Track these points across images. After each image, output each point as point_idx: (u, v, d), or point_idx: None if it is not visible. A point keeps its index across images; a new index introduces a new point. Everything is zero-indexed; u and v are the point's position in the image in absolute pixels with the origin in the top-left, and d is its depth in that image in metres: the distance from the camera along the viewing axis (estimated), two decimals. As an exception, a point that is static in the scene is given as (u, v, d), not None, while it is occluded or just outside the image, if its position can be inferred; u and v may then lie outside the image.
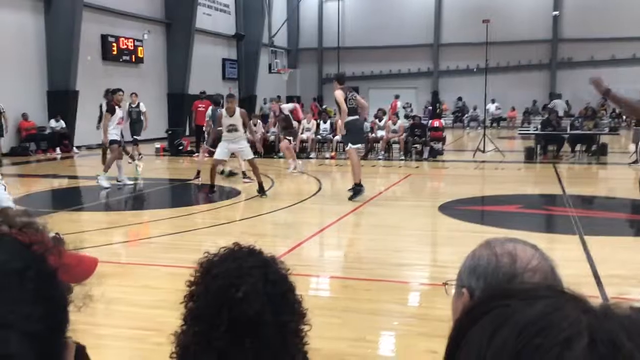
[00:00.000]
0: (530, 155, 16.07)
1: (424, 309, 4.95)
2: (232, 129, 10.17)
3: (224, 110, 10.50)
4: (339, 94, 9.73)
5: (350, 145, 10.05)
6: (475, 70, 30.06)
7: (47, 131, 18.60)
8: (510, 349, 0.48)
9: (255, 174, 10.27)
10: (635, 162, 14.43)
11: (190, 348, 1.22)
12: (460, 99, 32.79)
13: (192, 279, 1.30)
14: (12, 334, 0.57)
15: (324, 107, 28.44)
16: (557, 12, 31.48)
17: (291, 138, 14.61)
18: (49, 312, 0.62)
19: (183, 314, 1.27)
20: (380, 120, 17.89)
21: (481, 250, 1.23)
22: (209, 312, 1.21)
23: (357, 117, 10.07)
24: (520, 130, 20.78)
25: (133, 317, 4.60)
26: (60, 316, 0.67)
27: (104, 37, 21.15)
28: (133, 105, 15.09)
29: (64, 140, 18.52)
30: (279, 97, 14.00)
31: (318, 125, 18.06)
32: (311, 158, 17.01)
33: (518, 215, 8.91)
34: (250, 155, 10.40)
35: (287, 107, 15.99)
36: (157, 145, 18.22)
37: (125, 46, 22.06)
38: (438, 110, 20.30)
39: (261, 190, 10.21)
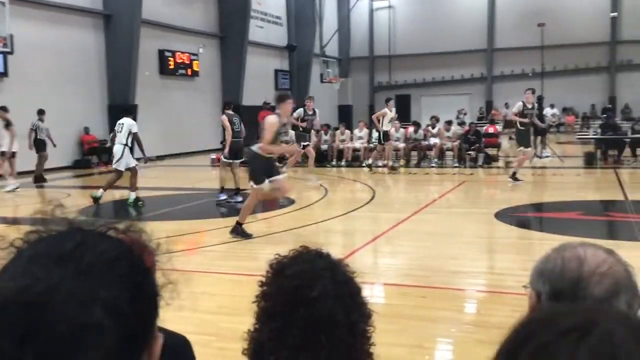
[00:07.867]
0: (589, 161, 15.61)
1: (482, 316, 4.91)
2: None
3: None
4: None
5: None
6: (530, 74, 29.49)
7: (108, 144, 19.25)
8: None
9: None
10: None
11: (265, 345, 1.29)
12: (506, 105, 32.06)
13: (263, 279, 1.37)
14: (98, 307, 0.62)
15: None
16: (615, 14, 30.54)
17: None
18: (137, 298, 0.67)
19: (256, 312, 1.34)
20: (433, 128, 17.79)
21: (551, 254, 1.25)
22: (284, 310, 1.28)
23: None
24: (579, 135, 20.23)
25: (196, 322, 4.74)
26: (149, 305, 0.70)
27: (161, 52, 21.82)
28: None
29: (124, 153, 19.13)
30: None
31: (370, 133, 18.08)
32: (363, 166, 17.03)
33: (579, 222, 8.69)
34: None
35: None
36: (213, 156, 18.61)
37: (182, 60, 22.68)
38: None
39: None
